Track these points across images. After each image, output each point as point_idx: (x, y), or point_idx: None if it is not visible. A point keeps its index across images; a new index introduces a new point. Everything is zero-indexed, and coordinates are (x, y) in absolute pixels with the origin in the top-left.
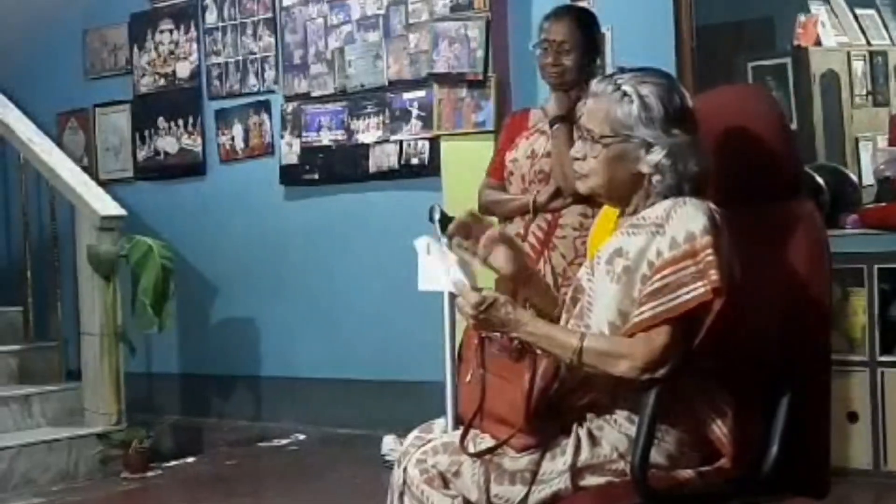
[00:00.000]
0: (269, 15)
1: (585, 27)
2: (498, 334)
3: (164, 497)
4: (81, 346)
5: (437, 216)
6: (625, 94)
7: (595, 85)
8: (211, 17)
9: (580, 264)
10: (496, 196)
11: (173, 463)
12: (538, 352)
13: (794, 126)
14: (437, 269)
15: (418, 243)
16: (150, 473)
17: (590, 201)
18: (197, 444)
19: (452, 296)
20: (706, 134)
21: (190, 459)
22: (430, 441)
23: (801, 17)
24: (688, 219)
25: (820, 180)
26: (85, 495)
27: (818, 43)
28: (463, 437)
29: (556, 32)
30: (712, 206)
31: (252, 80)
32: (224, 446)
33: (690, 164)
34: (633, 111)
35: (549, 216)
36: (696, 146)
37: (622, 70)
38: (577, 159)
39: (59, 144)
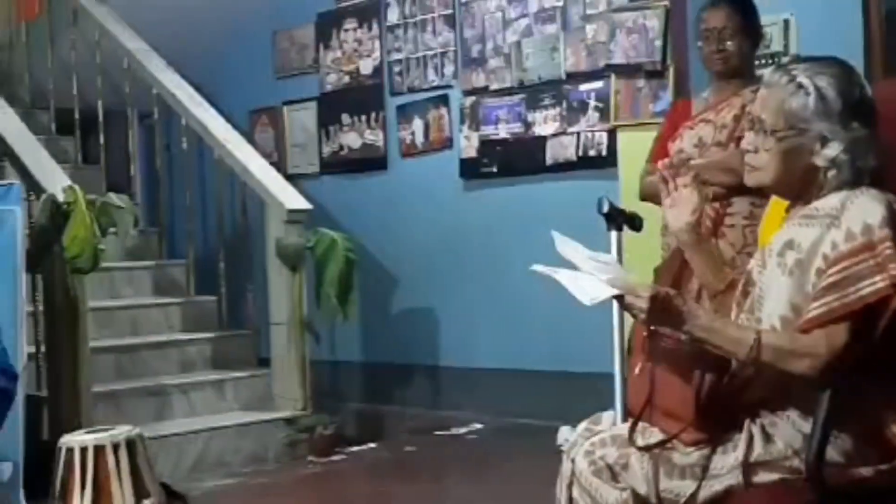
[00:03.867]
0: (449, 11)
1: (744, 12)
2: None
3: (347, 481)
4: (270, 334)
5: (605, 208)
6: (800, 85)
7: (769, 75)
8: (393, 15)
9: (749, 253)
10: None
11: (356, 448)
12: (709, 347)
13: None
14: (590, 276)
15: (566, 252)
16: (334, 458)
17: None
18: (378, 431)
19: (619, 298)
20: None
21: (372, 445)
22: (598, 433)
23: None
24: (865, 210)
25: None
26: (274, 477)
27: None
28: (632, 430)
29: (715, 20)
30: (891, 196)
31: (432, 75)
32: (404, 434)
33: (868, 159)
34: (810, 104)
35: (717, 204)
36: (875, 139)
37: (797, 59)
38: (749, 151)
39: (252, 141)
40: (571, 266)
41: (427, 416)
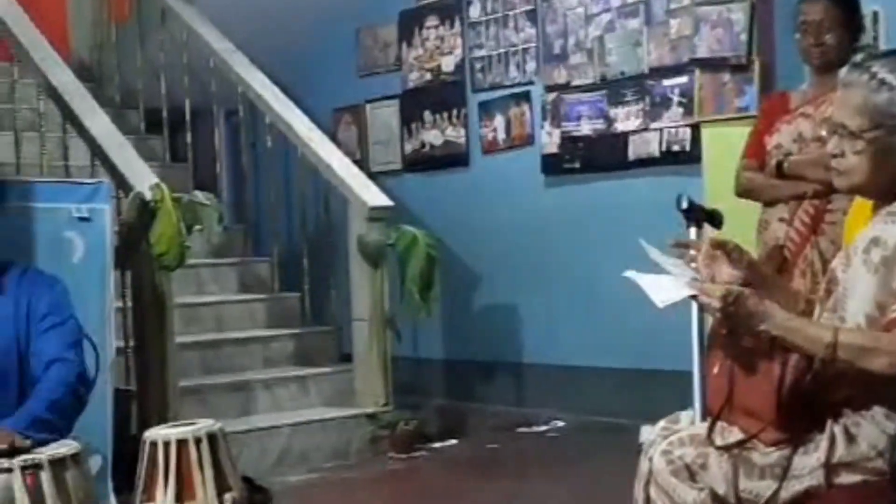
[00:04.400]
0: (530, 7)
1: (843, 5)
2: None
3: (429, 477)
4: (353, 331)
5: (684, 205)
6: (883, 81)
7: (846, 74)
8: (474, 12)
9: None
10: (762, 181)
11: (438, 445)
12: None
13: None
14: (673, 278)
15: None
16: (415, 454)
17: None
18: (460, 428)
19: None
20: None
21: (453, 442)
22: (676, 432)
23: None
24: None
25: None
26: (356, 473)
27: None
28: (710, 429)
29: (813, 13)
30: None
31: (513, 71)
32: (486, 430)
33: None
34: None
35: (816, 202)
36: None
37: (871, 56)
38: (835, 156)
39: (335, 139)
40: (660, 271)
41: (509, 413)
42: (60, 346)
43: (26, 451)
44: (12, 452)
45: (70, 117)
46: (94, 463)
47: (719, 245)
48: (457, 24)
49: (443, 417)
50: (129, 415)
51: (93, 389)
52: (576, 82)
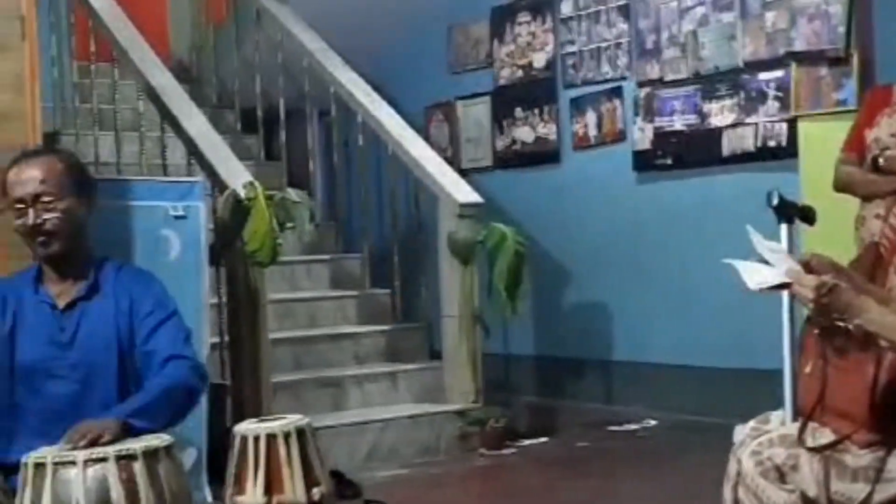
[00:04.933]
0: (623, 1)
1: None
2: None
3: (518, 474)
4: (442, 327)
5: (774, 201)
6: None
7: None
8: (566, 7)
9: None
10: (860, 176)
11: (527, 442)
12: (882, 343)
13: None
14: (763, 266)
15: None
16: (505, 451)
17: None
18: (550, 425)
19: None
20: None
21: (543, 439)
22: (766, 432)
23: None
24: None
25: None
26: (445, 469)
27: None
28: (801, 430)
29: None
30: None
31: (605, 67)
32: (576, 428)
33: None
34: None
35: None
36: None
37: None
38: None
39: (427, 136)
40: (761, 260)
41: (599, 412)
42: (174, 343)
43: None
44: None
45: (168, 117)
46: (189, 456)
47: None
48: (548, 20)
49: (533, 415)
50: (224, 409)
51: (207, 383)
52: (669, 77)
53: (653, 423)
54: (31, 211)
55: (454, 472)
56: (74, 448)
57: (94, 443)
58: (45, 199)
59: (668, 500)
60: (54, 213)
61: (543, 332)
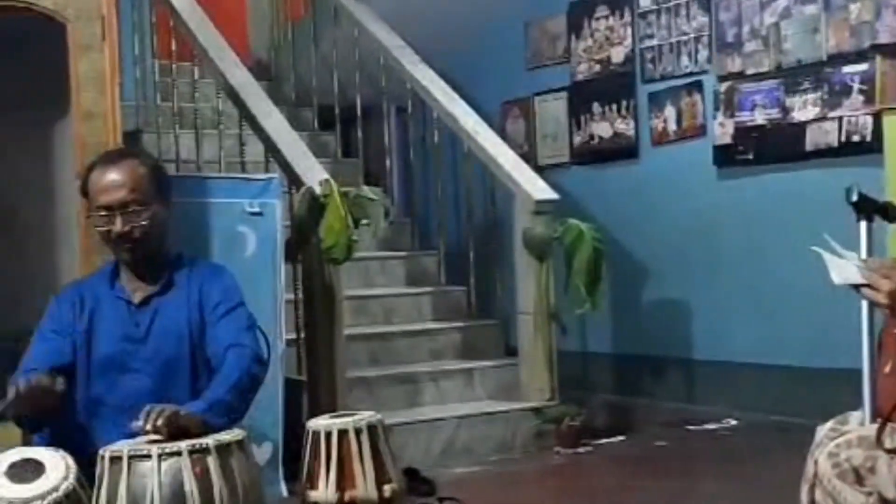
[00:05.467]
0: None
1: None
2: None
3: (594, 473)
4: (518, 324)
5: (853, 197)
6: None
7: None
8: (645, 1)
9: None
10: None
11: (604, 440)
12: None
13: None
14: (848, 262)
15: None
16: (581, 449)
17: None
18: (628, 424)
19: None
20: None
21: (620, 438)
22: (844, 433)
23: None
24: None
25: None
26: (520, 466)
27: None
28: (880, 431)
29: None
30: None
31: (685, 61)
32: (654, 427)
33: None
34: None
35: None
36: None
37: None
38: None
39: (503, 132)
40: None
41: (678, 410)
42: (235, 332)
43: (194, 433)
44: (182, 434)
45: (246, 115)
46: (266, 450)
47: None
48: (626, 14)
49: (610, 413)
50: (300, 404)
51: (267, 371)
52: (750, 71)
53: (733, 422)
54: (118, 219)
55: (529, 469)
56: (152, 427)
57: (170, 420)
58: (133, 207)
59: (748, 501)
60: (141, 220)
61: (622, 329)
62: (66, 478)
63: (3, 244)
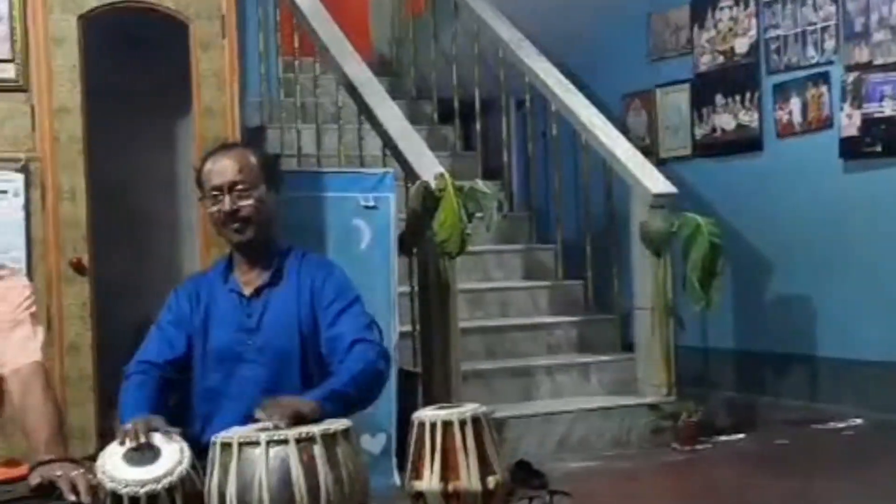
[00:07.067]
0: None
1: None
2: None
3: (712, 471)
4: (634, 319)
5: None
6: None
7: None
8: None
9: None
10: None
11: (723, 438)
12: None
13: None
14: None
15: None
16: (699, 446)
17: None
18: (749, 422)
19: None
20: None
21: (740, 436)
22: None
23: None
24: None
25: None
26: (636, 462)
27: None
28: None
29: None
30: None
31: (811, 51)
32: (776, 425)
33: None
34: None
35: None
36: None
37: None
38: None
39: (624, 125)
40: None
41: (803, 409)
42: (358, 328)
43: (308, 420)
44: (298, 421)
45: (365, 109)
46: (380, 441)
47: None
48: (751, 4)
49: (730, 410)
50: (414, 396)
51: (391, 367)
52: (878, 61)
53: (859, 421)
54: (227, 198)
55: (645, 465)
56: (271, 421)
57: (295, 419)
58: (240, 187)
59: (873, 502)
60: (249, 200)
61: (743, 325)
62: (180, 462)
63: (128, 237)
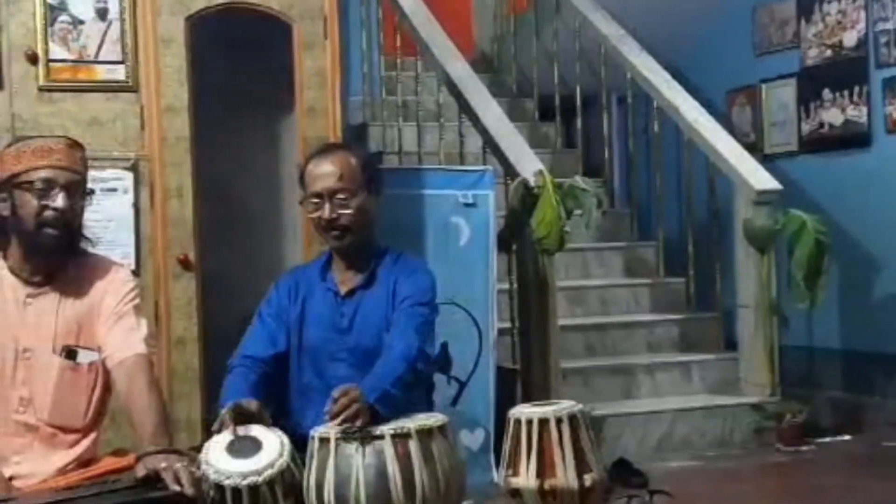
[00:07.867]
0: None
1: None
2: None
3: (816, 472)
4: (738, 317)
5: None
6: None
7: None
8: None
9: None
10: None
11: (828, 439)
12: None
13: None
14: None
15: None
16: (803, 447)
17: None
18: (854, 423)
19: None
20: None
21: (845, 437)
22: None
23: None
24: None
25: None
26: (738, 462)
27: None
28: None
29: None
30: None
31: None
32: (884, 427)
33: None
34: None
35: None
36: None
37: None
38: None
39: (729, 121)
40: None
41: None
42: (406, 325)
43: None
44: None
45: (465, 107)
46: (478, 437)
47: None
48: None
49: (836, 411)
50: (514, 392)
51: (432, 370)
52: None
53: None
54: (327, 206)
55: (748, 466)
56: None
57: (354, 419)
58: (341, 195)
59: None
60: (348, 209)
61: (851, 324)
62: (280, 455)
63: (233, 232)
